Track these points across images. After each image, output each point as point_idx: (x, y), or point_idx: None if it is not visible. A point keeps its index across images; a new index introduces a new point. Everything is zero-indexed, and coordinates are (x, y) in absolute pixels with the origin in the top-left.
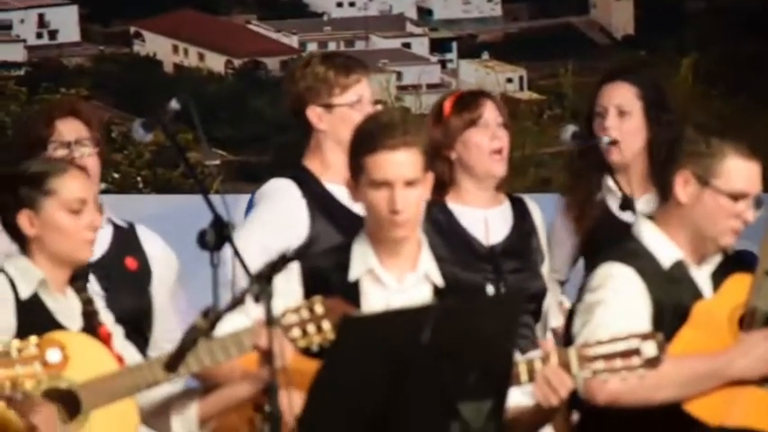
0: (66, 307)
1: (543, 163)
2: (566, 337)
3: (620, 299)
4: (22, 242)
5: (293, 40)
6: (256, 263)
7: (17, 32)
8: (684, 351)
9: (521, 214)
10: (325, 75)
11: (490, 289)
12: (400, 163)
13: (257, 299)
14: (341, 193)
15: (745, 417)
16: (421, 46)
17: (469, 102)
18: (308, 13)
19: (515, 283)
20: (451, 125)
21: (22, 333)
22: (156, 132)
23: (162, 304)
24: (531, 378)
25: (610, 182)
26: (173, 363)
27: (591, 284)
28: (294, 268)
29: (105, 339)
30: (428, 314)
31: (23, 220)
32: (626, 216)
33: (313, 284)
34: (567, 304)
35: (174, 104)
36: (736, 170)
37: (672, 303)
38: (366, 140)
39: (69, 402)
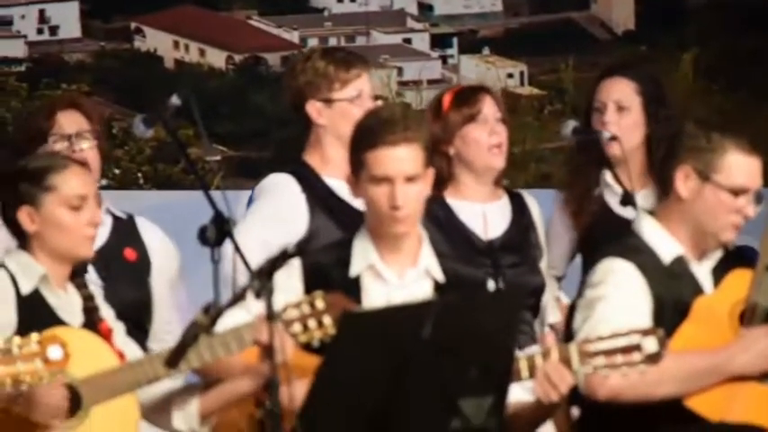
0: (66, 303)
1: (544, 158)
2: (566, 333)
3: (621, 294)
4: (23, 238)
5: (294, 36)
6: (256, 257)
7: (18, 28)
8: (685, 347)
9: (519, 209)
10: (326, 69)
11: (491, 284)
12: (401, 159)
13: (258, 294)
14: (340, 187)
15: (746, 412)
16: (422, 41)
17: (468, 97)
18: (308, 9)
19: (514, 277)
20: (450, 120)
21: (22, 328)
22: (156, 128)
23: (161, 295)
24: (532, 374)
25: (608, 177)
26: (173, 359)
27: (591, 280)
28: (295, 264)
29: (106, 335)
30: (429, 310)
31: (24, 216)
32: (624, 212)
33: (314, 280)
34: (565, 300)
35: (175, 100)
36: (737, 165)
37: (672, 299)
38: (367, 136)
39: (70, 398)
